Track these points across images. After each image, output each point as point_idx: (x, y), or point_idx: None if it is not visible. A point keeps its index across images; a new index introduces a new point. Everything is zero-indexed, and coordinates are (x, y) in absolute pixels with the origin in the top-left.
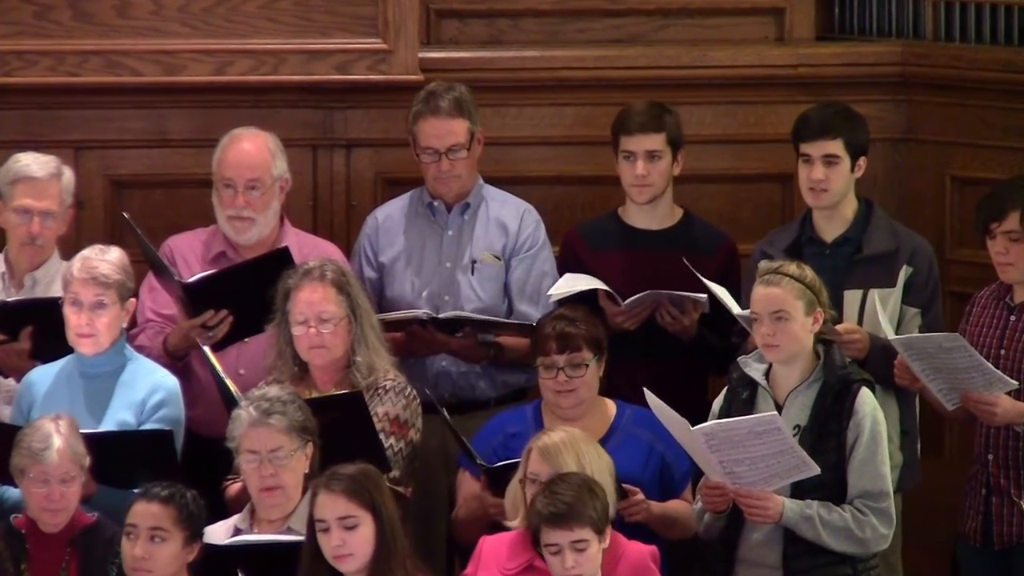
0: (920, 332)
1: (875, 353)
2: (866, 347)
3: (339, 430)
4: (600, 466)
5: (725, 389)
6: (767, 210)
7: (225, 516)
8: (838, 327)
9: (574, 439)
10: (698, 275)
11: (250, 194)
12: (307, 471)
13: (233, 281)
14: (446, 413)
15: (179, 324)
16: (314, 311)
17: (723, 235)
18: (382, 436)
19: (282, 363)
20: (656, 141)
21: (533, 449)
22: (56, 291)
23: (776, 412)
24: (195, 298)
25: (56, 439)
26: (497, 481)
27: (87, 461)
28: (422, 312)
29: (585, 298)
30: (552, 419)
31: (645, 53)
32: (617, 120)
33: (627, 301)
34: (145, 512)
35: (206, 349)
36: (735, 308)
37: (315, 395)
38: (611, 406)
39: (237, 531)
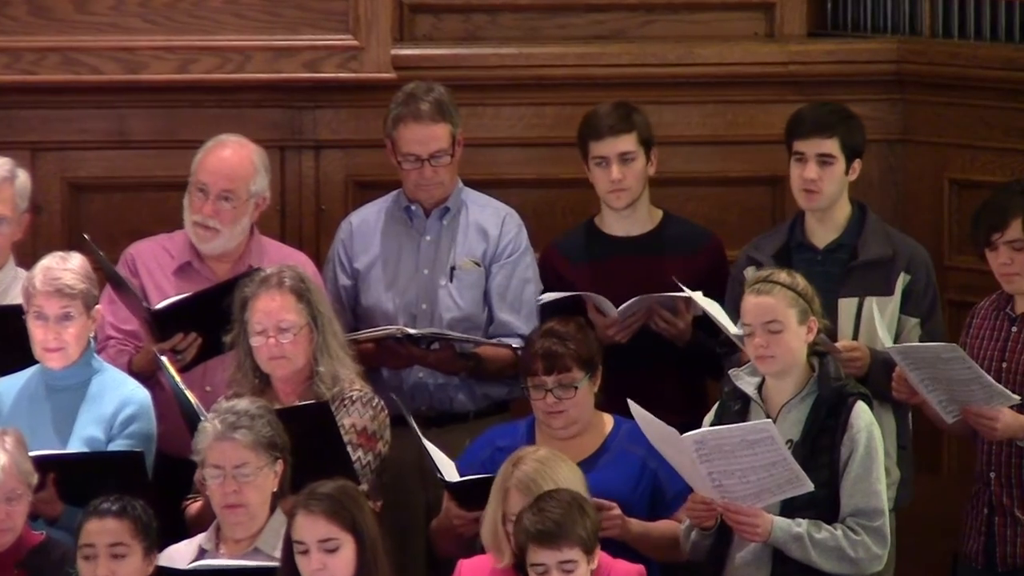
0: (921, 342)
1: (876, 368)
2: (866, 364)
3: (306, 442)
4: (575, 483)
5: (716, 404)
6: (756, 214)
7: (187, 536)
8: (837, 344)
9: (546, 466)
10: (692, 295)
11: (221, 204)
12: (275, 489)
13: (202, 305)
14: (413, 422)
15: (145, 347)
16: (272, 320)
17: (706, 234)
18: (349, 449)
19: (242, 375)
20: (628, 142)
21: (511, 488)
22: (12, 299)
23: (769, 420)
24: (163, 323)
25: (1, 456)
26: (461, 496)
27: (35, 479)
28: (395, 329)
29: (576, 309)
30: (546, 437)
31: (628, 50)
32: (583, 126)
33: (619, 309)
34: (101, 529)
35: (163, 359)
36: (731, 328)
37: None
38: (607, 421)
39: (202, 551)
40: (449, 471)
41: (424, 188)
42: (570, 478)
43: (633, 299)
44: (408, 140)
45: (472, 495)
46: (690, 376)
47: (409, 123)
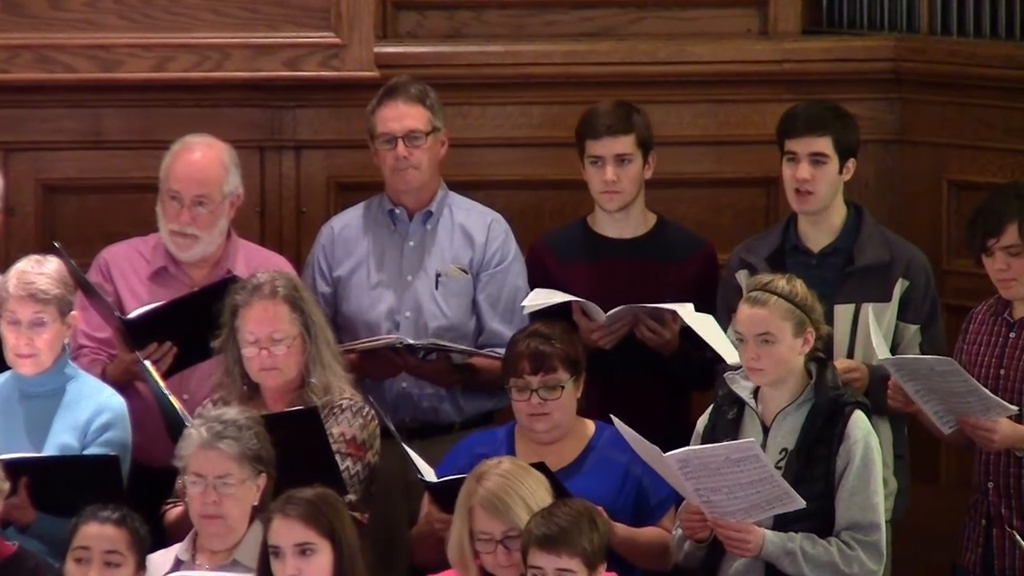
0: (922, 350)
1: (875, 385)
2: (865, 384)
3: (292, 449)
4: (542, 495)
5: (711, 407)
6: (749, 217)
7: (165, 544)
8: (835, 364)
9: (511, 480)
10: (689, 323)
11: (197, 210)
12: (256, 503)
13: (177, 313)
14: (390, 424)
15: (119, 357)
16: (265, 331)
17: (700, 242)
18: (338, 458)
19: (230, 381)
20: (625, 144)
21: (475, 507)
22: None
23: (754, 439)
24: (136, 333)
25: None
26: (442, 497)
27: (6, 486)
28: (395, 339)
29: (560, 312)
30: (525, 443)
31: (618, 48)
32: (581, 123)
33: (608, 314)
34: (99, 535)
35: (145, 363)
36: (732, 357)
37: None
38: (588, 426)
39: (179, 562)
40: (429, 473)
41: (400, 173)
42: (536, 489)
43: (620, 307)
44: (384, 119)
45: (453, 496)
46: (676, 387)
47: (386, 103)
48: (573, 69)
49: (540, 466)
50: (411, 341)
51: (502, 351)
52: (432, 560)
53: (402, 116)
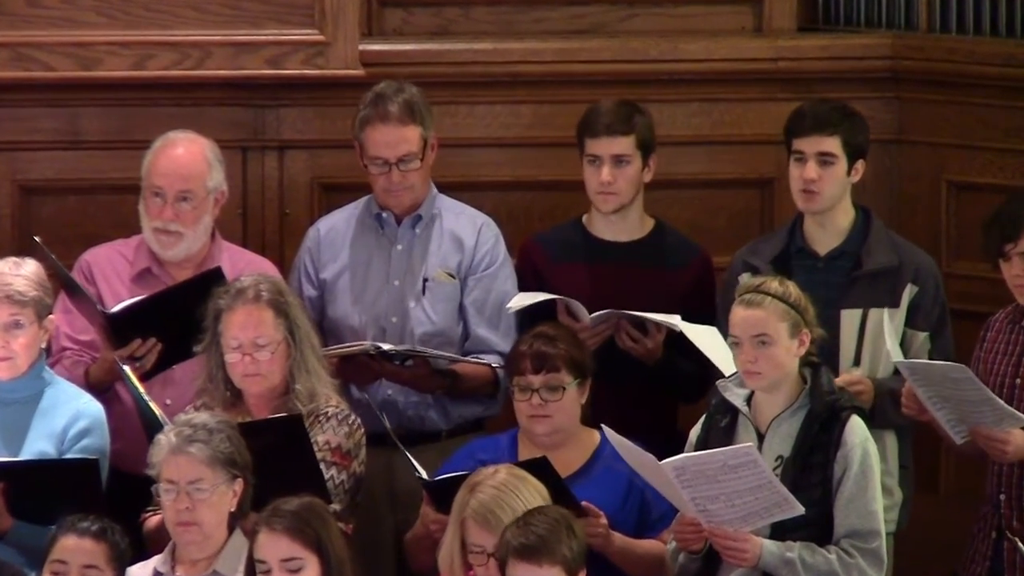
0: (931, 359)
1: (881, 399)
2: (871, 397)
3: (275, 457)
4: (537, 503)
5: (704, 416)
6: (744, 219)
7: (144, 553)
8: (838, 379)
9: (504, 493)
10: (690, 337)
11: (180, 206)
12: (232, 509)
13: (161, 307)
14: (385, 419)
15: (102, 355)
16: (249, 336)
17: (696, 248)
18: (322, 467)
19: (213, 387)
20: (624, 144)
21: (467, 519)
22: None
23: (752, 444)
24: (120, 328)
25: None
26: (439, 496)
27: None
28: (370, 345)
29: (546, 314)
30: (528, 448)
31: (609, 46)
32: (583, 120)
33: (592, 316)
34: (77, 548)
35: (125, 368)
36: (724, 367)
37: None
38: (594, 436)
39: (157, 574)
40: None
41: (393, 194)
42: (531, 499)
43: (605, 311)
44: (375, 142)
45: (450, 497)
46: (660, 398)
47: (376, 124)
48: (563, 67)
49: (542, 462)
50: (385, 347)
51: (486, 358)
52: (428, 566)
53: (394, 142)
